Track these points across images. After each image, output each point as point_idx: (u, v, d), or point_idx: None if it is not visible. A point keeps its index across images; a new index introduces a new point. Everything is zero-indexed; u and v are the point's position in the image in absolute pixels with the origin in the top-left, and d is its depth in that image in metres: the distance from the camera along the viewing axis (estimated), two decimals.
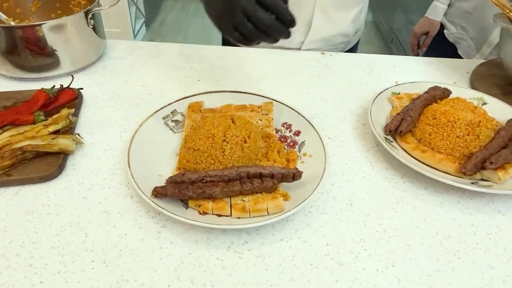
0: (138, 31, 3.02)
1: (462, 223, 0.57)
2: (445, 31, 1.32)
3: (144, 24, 3.17)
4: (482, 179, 0.61)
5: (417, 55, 1.47)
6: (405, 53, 2.71)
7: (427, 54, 1.42)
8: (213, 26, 0.60)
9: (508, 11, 0.80)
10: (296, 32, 0.96)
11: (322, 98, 0.82)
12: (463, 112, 0.65)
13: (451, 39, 1.31)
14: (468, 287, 0.49)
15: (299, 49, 1.00)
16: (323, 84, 0.86)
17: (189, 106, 0.70)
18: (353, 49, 1.12)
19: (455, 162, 0.62)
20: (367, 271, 0.50)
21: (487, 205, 0.60)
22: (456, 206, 0.60)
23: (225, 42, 1.10)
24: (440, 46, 1.34)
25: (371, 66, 0.93)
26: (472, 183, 0.60)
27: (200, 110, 0.70)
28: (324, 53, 0.97)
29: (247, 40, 0.57)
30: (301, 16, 0.94)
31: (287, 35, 0.56)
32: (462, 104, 0.68)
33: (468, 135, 0.63)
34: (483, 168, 0.60)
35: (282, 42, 0.61)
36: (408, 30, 2.97)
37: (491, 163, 0.59)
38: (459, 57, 1.28)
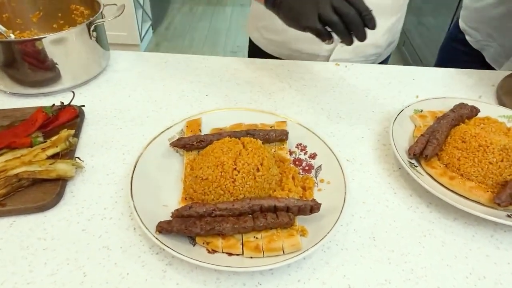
0: (144, 35, 2.98)
1: (497, 261, 0.52)
2: (467, 37, 1.25)
3: (151, 27, 3.13)
4: None
5: None
6: (417, 55, 2.64)
7: (449, 63, 1.35)
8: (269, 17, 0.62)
9: None
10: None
11: (338, 115, 0.77)
12: (496, 135, 0.59)
13: (476, 46, 1.24)
14: None
15: (328, 59, 0.95)
16: (338, 98, 0.81)
17: (187, 126, 0.65)
18: (386, 60, 1.07)
19: (487, 191, 0.57)
20: None
21: None
22: (490, 240, 0.54)
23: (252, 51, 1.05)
24: (460, 54, 1.27)
25: (389, 79, 0.88)
26: (508, 215, 0.54)
27: (200, 130, 0.65)
28: (338, 64, 0.92)
29: (325, 33, 0.57)
30: None
31: (364, 36, 0.58)
32: (494, 125, 0.62)
33: (502, 161, 0.57)
34: None
35: (312, 49, 0.76)
36: (419, 33, 2.90)
37: None
38: (486, 64, 1.21)
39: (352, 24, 0.56)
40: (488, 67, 1.17)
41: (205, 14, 3.51)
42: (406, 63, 2.76)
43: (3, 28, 0.81)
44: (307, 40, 0.90)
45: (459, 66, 0.98)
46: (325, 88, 0.84)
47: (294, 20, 0.60)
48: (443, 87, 0.86)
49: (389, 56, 1.09)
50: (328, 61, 0.95)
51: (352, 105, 0.79)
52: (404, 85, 0.86)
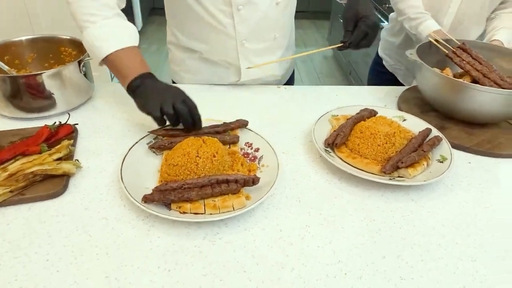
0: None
1: (384, 210, 0.74)
2: (384, 62, 1.56)
3: None
4: (398, 176, 0.79)
5: None
6: (361, 82, 3.00)
7: (374, 83, 1.65)
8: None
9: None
10: (231, 74, 1.14)
11: (278, 122, 1.00)
12: (382, 126, 0.84)
13: (390, 69, 1.55)
14: (385, 253, 0.65)
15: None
16: (279, 111, 1.05)
17: None
18: (290, 81, 1.33)
19: (378, 165, 0.81)
20: (310, 247, 0.66)
21: (403, 196, 0.78)
22: (380, 198, 0.77)
23: None
24: (382, 75, 1.58)
25: (317, 96, 1.13)
26: (390, 179, 0.78)
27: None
28: (279, 87, 1.17)
29: (163, 121, 0.80)
30: (230, 61, 1.11)
31: (191, 129, 0.83)
32: (382, 120, 0.87)
33: (386, 143, 0.82)
34: (398, 167, 0.78)
35: (221, 79, 1.04)
36: (364, 62, 3.29)
37: (402, 162, 0.77)
38: (399, 83, 1.51)
39: (182, 119, 0.80)
40: (402, 84, 1.47)
41: None
42: None
43: (6, 67, 1.00)
44: (216, 77, 1.16)
45: (380, 85, 1.25)
46: (269, 104, 1.08)
47: (142, 107, 0.83)
48: (359, 99, 1.12)
49: (293, 75, 1.34)
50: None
51: (289, 115, 1.03)
52: (329, 100, 1.12)
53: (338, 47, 1.00)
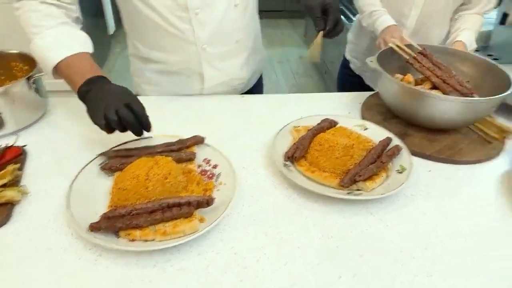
0: None
1: (342, 226, 0.73)
2: (351, 65, 1.55)
3: None
4: (357, 189, 0.78)
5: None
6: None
7: (343, 86, 1.65)
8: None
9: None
10: (194, 81, 1.11)
11: (241, 134, 0.98)
12: (341, 138, 0.83)
13: (357, 72, 1.55)
14: (341, 272, 0.64)
15: (202, 91, 1.14)
16: (241, 122, 1.03)
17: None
18: (259, 86, 1.30)
19: (337, 178, 0.79)
20: (265, 270, 0.64)
21: (362, 210, 0.77)
22: (339, 213, 0.76)
23: None
24: (349, 78, 1.57)
25: (282, 104, 1.12)
26: (348, 193, 0.76)
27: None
28: (243, 96, 1.15)
29: (109, 128, 0.75)
30: (192, 68, 1.08)
31: (138, 133, 0.77)
32: (342, 132, 0.86)
33: (344, 156, 0.80)
34: (356, 180, 0.77)
35: (184, 89, 1.00)
36: (339, 61, 3.30)
37: (359, 175, 0.76)
38: (366, 85, 1.51)
39: (128, 124, 0.75)
40: (369, 86, 1.47)
41: None
42: (328, 89, 3.13)
43: None
44: (179, 88, 1.13)
45: (349, 88, 1.24)
46: (231, 115, 1.06)
47: (90, 115, 0.79)
48: (322, 108, 1.10)
49: (261, 80, 1.32)
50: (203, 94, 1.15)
51: (252, 126, 1.01)
52: (292, 108, 1.10)
53: (323, 35, 1.02)
